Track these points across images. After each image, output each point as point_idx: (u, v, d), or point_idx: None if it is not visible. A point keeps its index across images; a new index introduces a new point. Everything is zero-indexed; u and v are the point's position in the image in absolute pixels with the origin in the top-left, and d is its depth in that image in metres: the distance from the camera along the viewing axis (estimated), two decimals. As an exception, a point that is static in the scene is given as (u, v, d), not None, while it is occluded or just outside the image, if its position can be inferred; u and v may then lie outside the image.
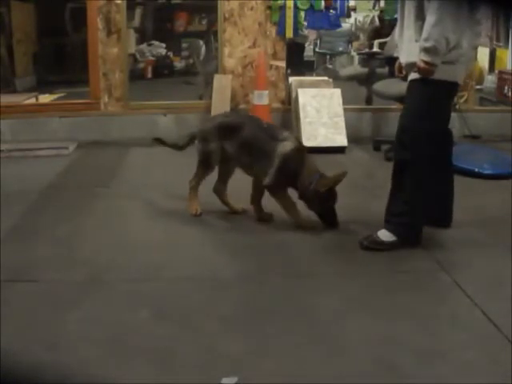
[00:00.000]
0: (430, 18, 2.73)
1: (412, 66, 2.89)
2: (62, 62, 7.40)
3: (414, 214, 3.02)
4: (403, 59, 3.02)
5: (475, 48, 3.08)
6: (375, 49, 6.71)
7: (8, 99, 5.46)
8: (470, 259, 2.96)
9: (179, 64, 7.83)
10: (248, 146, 3.32)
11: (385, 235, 3.02)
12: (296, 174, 3.23)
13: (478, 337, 2.29)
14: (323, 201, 3.23)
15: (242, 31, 5.32)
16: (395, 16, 3.17)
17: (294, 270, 2.88)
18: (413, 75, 2.94)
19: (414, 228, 3.05)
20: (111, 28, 5.23)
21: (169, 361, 2.11)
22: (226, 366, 2.08)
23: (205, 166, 3.47)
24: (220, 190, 3.53)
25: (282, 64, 5.42)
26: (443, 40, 2.73)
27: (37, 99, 5.75)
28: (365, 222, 3.35)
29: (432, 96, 2.89)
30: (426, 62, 2.78)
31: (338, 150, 4.92)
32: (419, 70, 2.83)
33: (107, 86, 5.31)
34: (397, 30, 3.10)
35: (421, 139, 2.92)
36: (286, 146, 3.24)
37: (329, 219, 3.28)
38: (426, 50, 2.76)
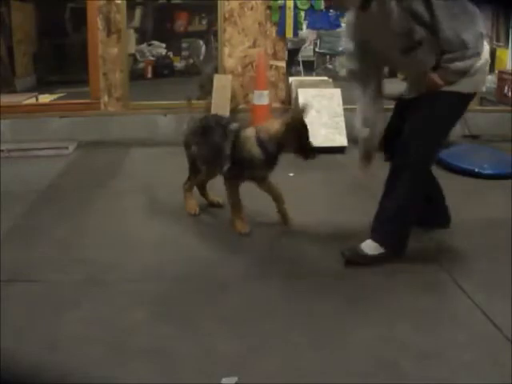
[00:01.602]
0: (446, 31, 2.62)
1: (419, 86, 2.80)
2: (62, 62, 7.40)
3: (404, 224, 2.92)
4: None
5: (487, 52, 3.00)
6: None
7: (8, 99, 5.46)
8: (470, 259, 2.96)
9: (179, 64, 7.83)
10: (207, 147, 3.35)
11: (369, 247, 2.90)
12: (252, 159, 3.15)
13: (478, 337, 2.29)
14: (289, 139, 3.14)
15: (242, 31, 5.32)
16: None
17: (293, 269, 2.88)
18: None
19: (403, 240, 2.93)
20: (111, 28, 5.23)
21: (169, 361, 2.11)
22: (226, 366, 2.08)
23: (192, 169, 3.51)
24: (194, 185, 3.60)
25: (282, 64, 5.42)
26: (473, 55, 2.66)
27: (37, 99, 5.75)
28: (364, 223, 3.35)
29: (450, 108, 2.80)
30: (444, 79, 2.69)
31: (338, 149, 4.93)
32: (430, 87, 2.72)
33: (107, 85, 5.31)
34: None
35: (429, 148, 2.84)
36: (233, 135, 3.21)
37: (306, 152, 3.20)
38: (455, 71, 2.67)
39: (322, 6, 5.35)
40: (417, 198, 2.92)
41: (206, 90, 5.47)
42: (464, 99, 2.82)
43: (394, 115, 3.10)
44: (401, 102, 3.05)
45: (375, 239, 2.91)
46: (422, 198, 2.94)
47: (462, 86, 2.74)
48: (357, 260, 2.89)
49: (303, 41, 6.00)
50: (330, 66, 6.36)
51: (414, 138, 2.81)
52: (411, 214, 2.93)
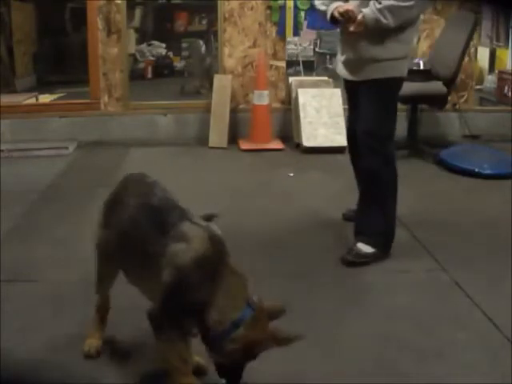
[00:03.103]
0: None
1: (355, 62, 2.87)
2: (62, 62, 7.39)
3: (393, 220, 2.98)
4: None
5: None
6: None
7: (8, 99, 5.45)
8: (470, 259, 2.96)
9: (179, 64, 7.82)
10: (129, 241, 1.97)
11: (365, 247, 2.93)
12: (202, 304, 1.78)
13: (478, 337, 2.29)
14: (238, 357, 1.82)
15: (242, 31, 5.32)
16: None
17: (293, 269, 2.88)
18: (363, 75, 2.89)
19: (392, 235, 2.98)
20: (111, 28, 5.22)
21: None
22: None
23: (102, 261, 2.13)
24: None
25: (282, 64, 5.42)
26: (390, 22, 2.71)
27: (37, 99, 5.74)
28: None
29: (389, 95, 2.90)
30: (360, 25, 2.72)
31: (338, 150, 4.92)
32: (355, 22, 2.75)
33: (107, 85, 5.31)
34: None
35: (389, 141, 2.93)
36: (180, 252, 1.79)
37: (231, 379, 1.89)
38: (381, 13, 2.69)
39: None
40: (394, 190, 2.96)
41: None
42: (399, 83, 2.92)
43: (350, 110, 3.23)
44: (347, 86, 3.13)
45: (364, 241, 2.93)
46: (396, 188, 2.96)
47: (401, 71, 2.87)
48: (360, 260, 2.90)
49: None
50: (330, 66, 6.35)
51: (370, 134, 2.87)
52: (394, 208, 2.97)
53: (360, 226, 3.00)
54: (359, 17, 2.74)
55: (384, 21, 2.70)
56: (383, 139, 2.91)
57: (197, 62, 6.87)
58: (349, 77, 3.00)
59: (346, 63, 2.97)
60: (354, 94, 3.05)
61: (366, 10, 2.73)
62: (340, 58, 3.02)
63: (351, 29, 2.77)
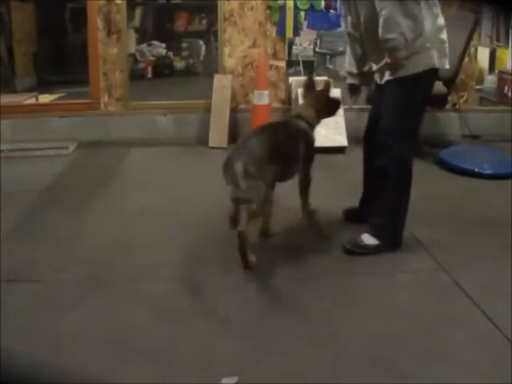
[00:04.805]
0: (384, 14, 2.74)
1: (384, 68, 2.91)
2: (62, 61, 7.39)
3: (400, 216, 3.02)
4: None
5: (441, 29, 2.94)
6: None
7: (8, 99, 5.46)
8: (470, 259, 2.96)
9: (179, 64, 7.83)
10: (286, 151, 3.10)
11: (369, 239, 2.99)
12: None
13: (478, 337, 2.29)
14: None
15: (242, 31, 5.32)
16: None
17: (293, 270, 2.88)
18: (386, 76, 2.94)
19: (398, 231, 3.04)
20: (111, 28, 5.22)
21: (169, 361, 2.11)
22: (226, 366, 2.08)
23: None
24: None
25: (282, 64, 5.42)
26: (399, 34, 2.75)
27: (37, 99, 5.75)
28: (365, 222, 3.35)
29: (410, 92, 2.90)
30: (392, 58, 2.81)
31: (338, 150, 4.92)
32: (390, 68, 2.85)
33: (107, 85, 5.31)
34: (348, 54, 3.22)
35: (407, 138, 2.94)
36: (305, 128, 3.29)
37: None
38: (387, 50, 2.79)
39: (322, 6, 5.35)
40: (406, 188, 2.99)
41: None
42: (424, 77, 2.89)
43: (374, 106, 3.22)
44: (377, 89, 3.16)
45: (372, 233, 3.00)
46: (410, 186, 3.00)
47: (413, 68, 2.85)
48: (358, 250, 2.97)
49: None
50: (330, 66, 6.35)
51: (389, 132, 2.91)
52: (403, 205, 3.01)
53: (368, 217, 3.07)
54: (383, 63, 2.86)
55: (392, 37, 2.75)
56: (399, 138, 2.91)
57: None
58: (381, 82, 3.03)
59: (378, 70, 3.02)
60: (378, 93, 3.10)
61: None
62: (374, 67, 3.04)
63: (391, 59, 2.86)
